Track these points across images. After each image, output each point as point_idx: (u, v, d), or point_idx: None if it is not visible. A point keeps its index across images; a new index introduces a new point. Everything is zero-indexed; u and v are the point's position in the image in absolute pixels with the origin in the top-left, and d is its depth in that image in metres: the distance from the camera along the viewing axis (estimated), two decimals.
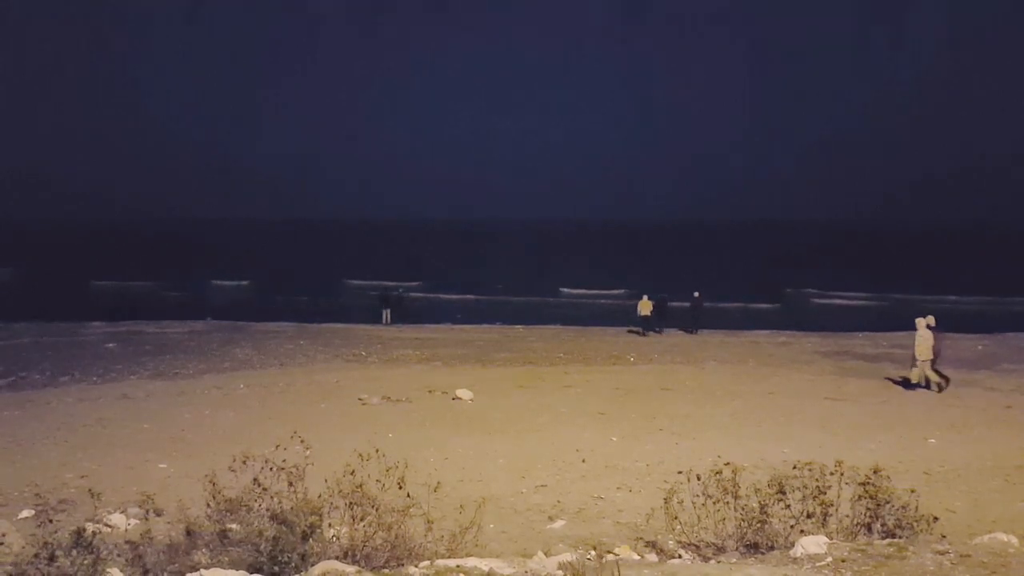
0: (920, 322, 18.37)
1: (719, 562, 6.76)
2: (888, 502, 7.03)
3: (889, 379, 19.80)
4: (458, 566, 5.86)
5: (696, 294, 30.54)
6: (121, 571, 6.07)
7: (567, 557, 6.48)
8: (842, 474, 7.15)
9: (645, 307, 29.26)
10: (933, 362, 18.07)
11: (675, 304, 31.05)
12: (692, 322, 30.16)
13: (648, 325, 29.35)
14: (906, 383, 18.59)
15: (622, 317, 33.04)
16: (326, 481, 6.98)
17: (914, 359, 18.23)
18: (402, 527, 6.78)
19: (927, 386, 18.14)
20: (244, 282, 59.26)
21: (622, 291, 42.48)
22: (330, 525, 6.80)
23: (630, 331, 29.55)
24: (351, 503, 6.81)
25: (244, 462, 7.14)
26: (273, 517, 6.51)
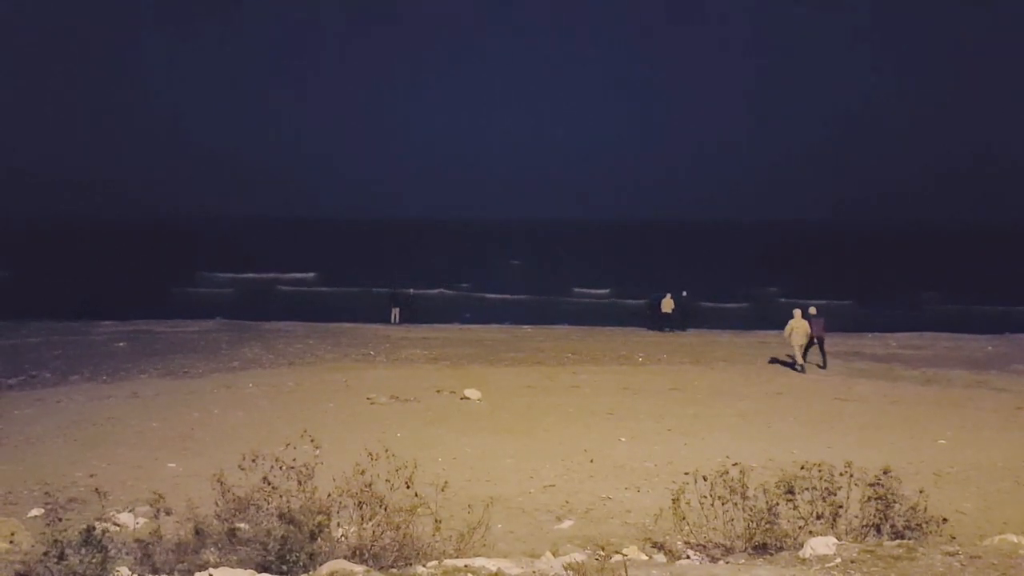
0: (796, 312, 21.18)
1: (727, 563, 6.75)
2: (897, 503, 7.00)
3: (777, 360, 22.17)
4: (466, 566, 5.86)
5: (684, 293, 30.65)
6: (130, 569, 6.09)
7: (575, 557, 6.47)
8: (851, 475, 7.14)
9: (667, 305, 29.85)
10: (821, 343, 21.17)
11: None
12: (681, 321, 30.26)
13: (667, 323, 29.82)
14: (793, 365, 20.87)
15: (631, 318, 33.21)
16: (335, 480, 6.99)
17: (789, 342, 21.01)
18: (410, 526, 6.78)
19: (796, 365, 20.76)
20: (228, 289, 56.35)
21: (642, 301, 42.35)
22: (339, 524, 6.81)
23: (651, 328, 29.89)
24: (360, 502, 6.82)
25: (253, 461, 7.15)
26: (282, 516, 6.53)
